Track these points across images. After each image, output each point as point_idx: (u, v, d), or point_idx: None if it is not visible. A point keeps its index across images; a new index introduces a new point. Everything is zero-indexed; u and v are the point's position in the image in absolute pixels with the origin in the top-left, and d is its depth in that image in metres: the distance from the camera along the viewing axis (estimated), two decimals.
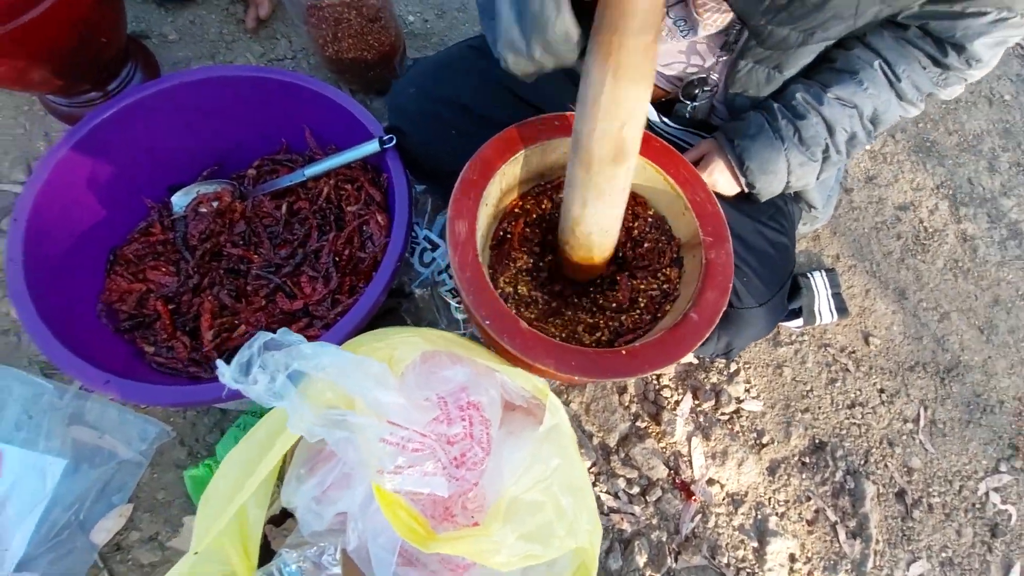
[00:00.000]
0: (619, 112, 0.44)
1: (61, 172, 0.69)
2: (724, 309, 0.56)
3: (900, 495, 0.85)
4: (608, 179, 0.49)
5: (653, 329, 0.60)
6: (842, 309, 0.91)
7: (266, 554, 0.49)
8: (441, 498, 0.40)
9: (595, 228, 0.54)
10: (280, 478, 0.50)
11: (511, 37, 0.47)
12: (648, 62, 0.42)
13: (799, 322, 0.90)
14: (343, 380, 0.37)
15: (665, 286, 0.62)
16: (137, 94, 0.74)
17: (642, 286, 0.63)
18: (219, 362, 0.39)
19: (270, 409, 0.73)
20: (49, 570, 0.66)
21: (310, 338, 0.69)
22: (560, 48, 0.45)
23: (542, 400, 0.46)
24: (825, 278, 0.91)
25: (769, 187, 0.68)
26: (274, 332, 0.69)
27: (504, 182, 0.62)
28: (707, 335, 0.54)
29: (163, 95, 0.75)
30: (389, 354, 0.40)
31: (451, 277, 0.77)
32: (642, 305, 0.62)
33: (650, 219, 0.65)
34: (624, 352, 0.53)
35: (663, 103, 0.76)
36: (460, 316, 0.78)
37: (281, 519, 0.53)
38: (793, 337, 0.91)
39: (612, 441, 0.80)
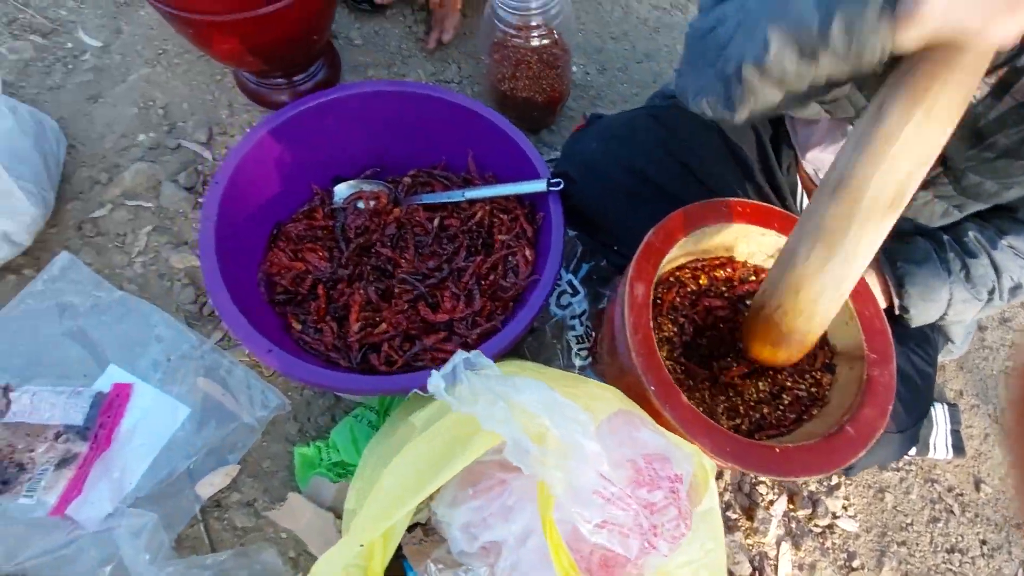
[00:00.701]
0: (913, 155, 0.40)
1: (258, 148, 0.75)
2: (882, 431, 0.55)
3: None
4: (871, 231, 0.43)
5: (797, 431, 0.59)
6: (958, 448, 0.87)
7: (394, 559, 0.51)
8: (609, 556, 0.40)
9: (829, 292, 0.47)
10: None
11: (800, 16, 0.41)
12: (964, 105, 0.39)
13: (912, 451, 0.87)
14: (551, 420, 0.38)
15: (814, 389, 0.62)
16: (332, 94, 0.80)
17: (788, 383, 0.63)
18: (433, 372, 0.41)
19: (386, 408, 0.76)
20: (154, 509, 0.69)
21: (447, 353, 0.72)
22: (866, 32, 0.38)
23: (702, 481, 0.46)
24: (946, 412, 0.88)
25: (924, 315, 0.68)
26: (415, 336, 0.72)
27: (673, 252, 0.64)
28: (862, 453, 0.54)
29: (354, 99, 0.81)
30: (586, 403, 0.41)
31: (583, 324, 0.79)
32: (786, 402, 0.62)
33: None
34: (777, 450, 0.52)
35: None
36: (579, 362, 0.79)
37: (411, 527, 0.54)
38: (901, 464, 0.88)
39: None
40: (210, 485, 0.72)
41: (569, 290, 0.79)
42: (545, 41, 0.87)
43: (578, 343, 0.78)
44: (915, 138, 0.39)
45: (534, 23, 0.84)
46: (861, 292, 0.62)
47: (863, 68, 0.40)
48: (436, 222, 0.83)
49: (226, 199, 0.71)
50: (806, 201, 0.76)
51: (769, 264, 0.67)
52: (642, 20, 1.22)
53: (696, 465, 0.45)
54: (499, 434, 0.38)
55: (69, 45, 1.04)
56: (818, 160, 0.73)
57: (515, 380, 0.41)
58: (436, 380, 0.41)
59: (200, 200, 0.91)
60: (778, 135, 0.80)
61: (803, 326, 0.51)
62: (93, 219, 0.88)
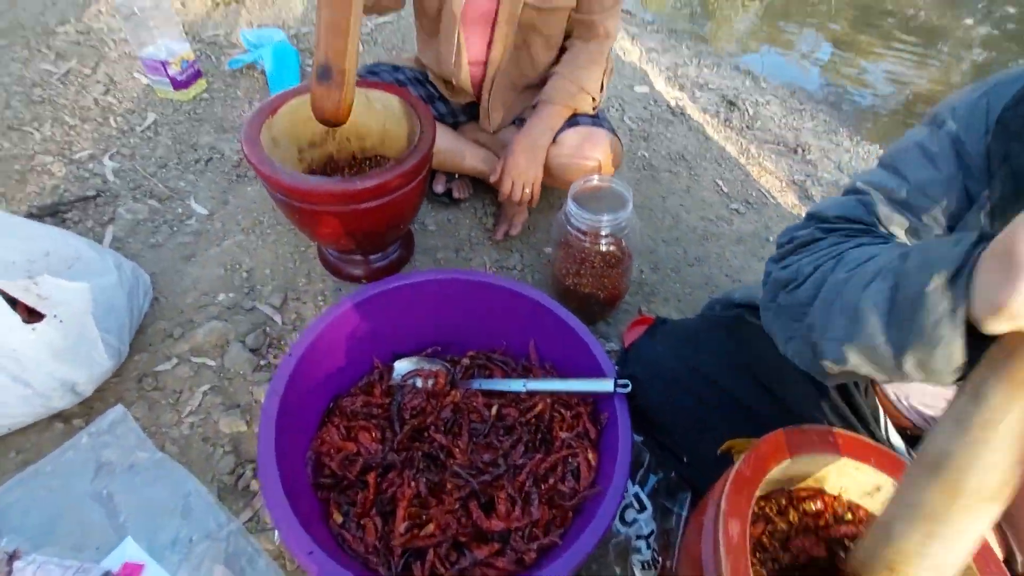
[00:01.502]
0: (1019, 446, 0.38)
1: (333, 325, 0.77)
2: None
3: None
4: (974, 520, 0.41)
5: None
6: None
7: None
8: None
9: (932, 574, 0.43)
10: None
11: (873, 343, 0.43)
12: None
13: None
14: None
15: None
16: (411, 279, 0.84)
17: None
18: None
19: None
20: None
21: (499, 571, 0.63)
22: (940, 369, 0.40)
23: None
24: None
25: None
26: (464, 545, 0.65)
27: None
28: None
29: (429, 285, 0.84)
30: None
31: (650, 547, 0.70)
32: None
33: None
34: None
35: (911, 437, 0.72)
36: None
37: None
38: None
39: None
40: None
41: (635, 505, 0.72)
42: (611, 248, 0.94)
43: (643, 569, 0.69)
44: (1020, 428, 0.37)
45: (603, 232, 0.91)
46: (983, 554, 0.54)
47: (946, 375, 0.41)
48: (494, 410, 0.80)
49: (296, 373, 0.71)
50: (891, 429, 0.71)
51: (865, 502, 0.61)
52: (691, 228, 1.32)
53: None
54: None
55: (179, 211, 1.17)
56: (900, 387, 0.71)
57: None
58: None
59: (262, 363, 0.92)
60: None
61: None
62: (155, 372, 0.88)
